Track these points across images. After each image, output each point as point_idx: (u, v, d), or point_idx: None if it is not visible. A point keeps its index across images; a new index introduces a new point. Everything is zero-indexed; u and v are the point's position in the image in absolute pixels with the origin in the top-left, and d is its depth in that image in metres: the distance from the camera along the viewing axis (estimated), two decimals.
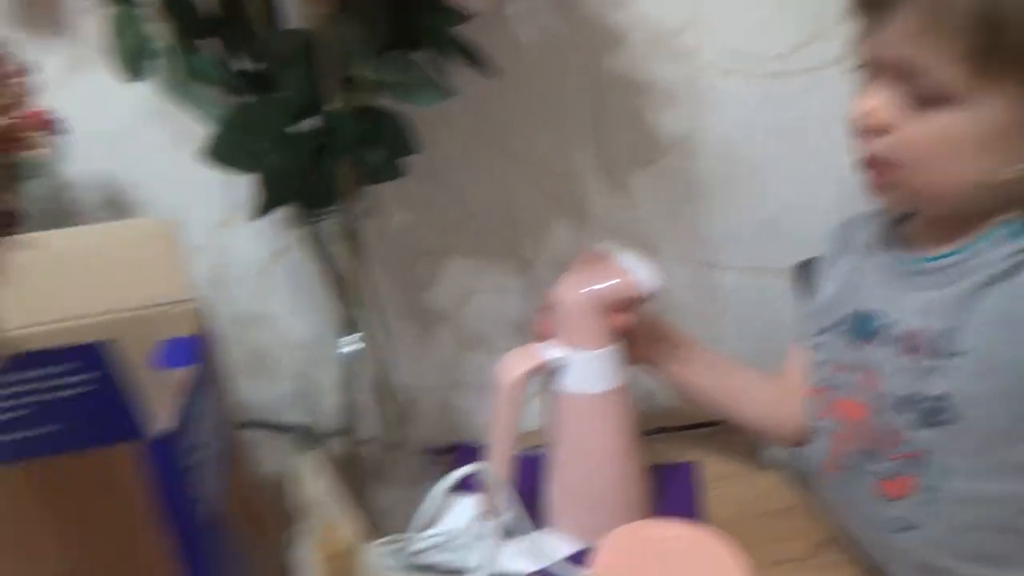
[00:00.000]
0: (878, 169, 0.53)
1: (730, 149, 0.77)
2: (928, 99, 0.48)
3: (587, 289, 0.58)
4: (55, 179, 0.64)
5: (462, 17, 0.55)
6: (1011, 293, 0.49)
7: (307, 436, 0.73)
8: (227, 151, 0.49)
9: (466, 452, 0.76)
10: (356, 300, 0.60)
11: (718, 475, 0.71)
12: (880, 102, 0.51)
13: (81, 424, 0.32)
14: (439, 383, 0.77)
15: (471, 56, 0.57)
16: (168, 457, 0.33)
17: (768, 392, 0.67)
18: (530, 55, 0.70)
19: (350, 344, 0.60)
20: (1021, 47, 0.45)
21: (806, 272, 0.76)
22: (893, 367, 0.54)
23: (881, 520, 0.56)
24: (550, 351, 0.59)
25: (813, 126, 0.78)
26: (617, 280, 0.59)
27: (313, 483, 0.34)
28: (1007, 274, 0.49)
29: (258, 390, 0.74)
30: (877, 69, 0.52)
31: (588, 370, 0.59)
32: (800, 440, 0.65)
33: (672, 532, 0.53)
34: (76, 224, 0.51)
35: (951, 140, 0.49)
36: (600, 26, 0.71)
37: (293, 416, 0.73)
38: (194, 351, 0.40)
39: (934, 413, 0.52)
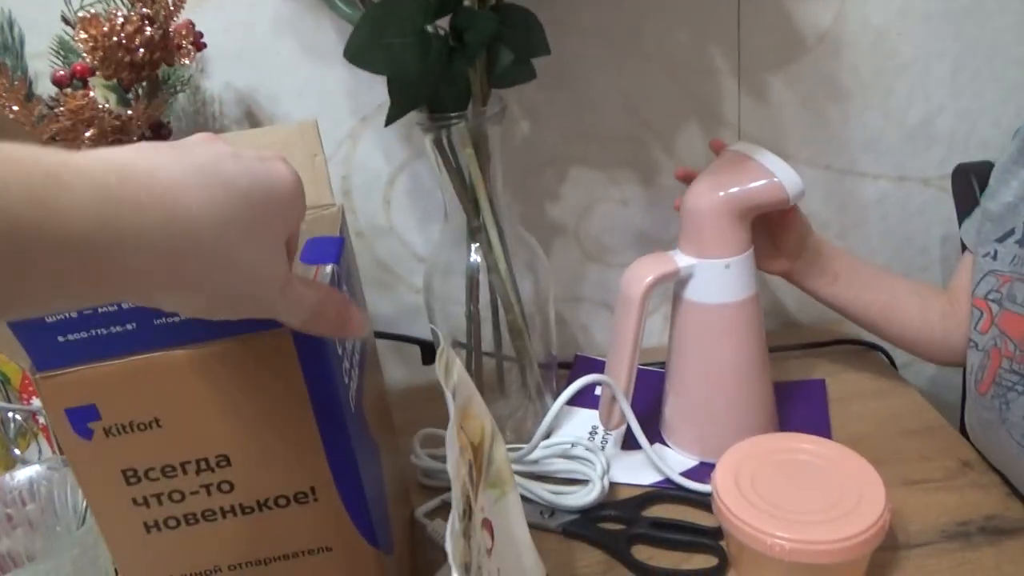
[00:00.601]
0: None
1: (880, 43, 0.71)
2: None
3: (725, 192, 0.56)
4: (199, 94, 0.67)
5: None
6: None
7: (429, 348, 0.76)
8: (366, 50, 0.49)
9: (585, 365, 0.77)
10: (482, 209, 0.60)
11: (852, 393, 0.68)
12: None
13: None
14: (559, 296, 0.78)
15: None
16: (320, 343, 0.35)
17: (933, 309, 0.64)
18: None
19: (473, 255, 0.61)
20: None
21: (969, 176, 0.70)
22: None
23: None
24: (681, 258, 0.57)
25: (982, 12, 0.71)
26: (761, 182, 0.55)
27: (455, 372, 0.35)
28: None
29: (382, 302, 0.77)
30: None
31: (717, 280, 0.56)
32: (962, 359, 0.61)
33: (800, 445, 0.52)
34: None
35: None
36: None
37: (415, 328, 0.76)
38: (338, 250, 0.41)
39: None
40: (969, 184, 0.68)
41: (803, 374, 0.71)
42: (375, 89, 0.67)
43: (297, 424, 0.36)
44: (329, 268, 0.37)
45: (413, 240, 0.74)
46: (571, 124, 0.71)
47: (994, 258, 0.57)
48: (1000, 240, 0.56)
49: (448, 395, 0.32)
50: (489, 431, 0.38)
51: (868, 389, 0.68)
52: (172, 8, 0.52)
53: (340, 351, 0.38)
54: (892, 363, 0.73)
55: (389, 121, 0.55)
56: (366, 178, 0.72)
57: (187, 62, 0.55)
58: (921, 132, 0.75)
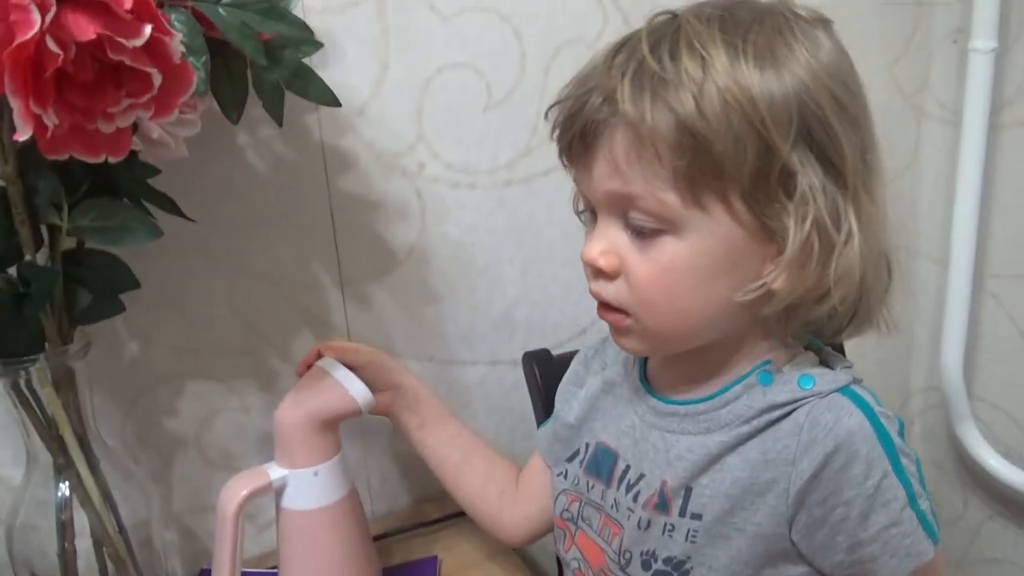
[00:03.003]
0: (614, 314, 0.50)
1: (459, 252, 0.85)
2: (648, 232, 0.47)
3: (306, 407, 0.62)
4: None
5: (155, 169, 0.58)
6: (756, 459, 0.47)
7: None
8: None
9: None
10: (69, 444, 0.59)
11: (463, 565, 0.75)
12: (605, 245, 0.48)
13: None
14: (185, 508, 0.77)
15: (168, 206, 0.60)
16: None
17: (495, 483, 0.67)
18: (267, 180, 0.74)
19: (63, 490, 0.60)
20: (727, 165, 0.44)
21: (531, 361, 0.83)
22: (632, 520, 0.51)
23: None
24: (275, 471, 0.62)
25: (535, 227, 0.88)
26: (335, 397, 0.63)
27: None
28: (752, 435, 0.48)
29: None
30: (600, 209, 0.50)
31: (308, 487, 0.61)
32: (519, 543, 0.67)
33: None
34: None
35: (678, 271, 0.46)
36: (330, 150, 0.77)
37: (21, 567, 0.70)
38: None
39: (668, 574, 0.50)
40: (532, 367, 0.81)
41: (423, 552, 0.77)
42: None
43: None
44: None
45: (10, 475, 0.70)
46: (184, 341, 0.74)
47: (565, 477, 0.60)
48: (569, 460, 0.60)
49: None
50: None
51: (477, 559, 0.76)
52: None
53: None
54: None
55: None
56: None
57: None
58: (504, 322, 0.89)
